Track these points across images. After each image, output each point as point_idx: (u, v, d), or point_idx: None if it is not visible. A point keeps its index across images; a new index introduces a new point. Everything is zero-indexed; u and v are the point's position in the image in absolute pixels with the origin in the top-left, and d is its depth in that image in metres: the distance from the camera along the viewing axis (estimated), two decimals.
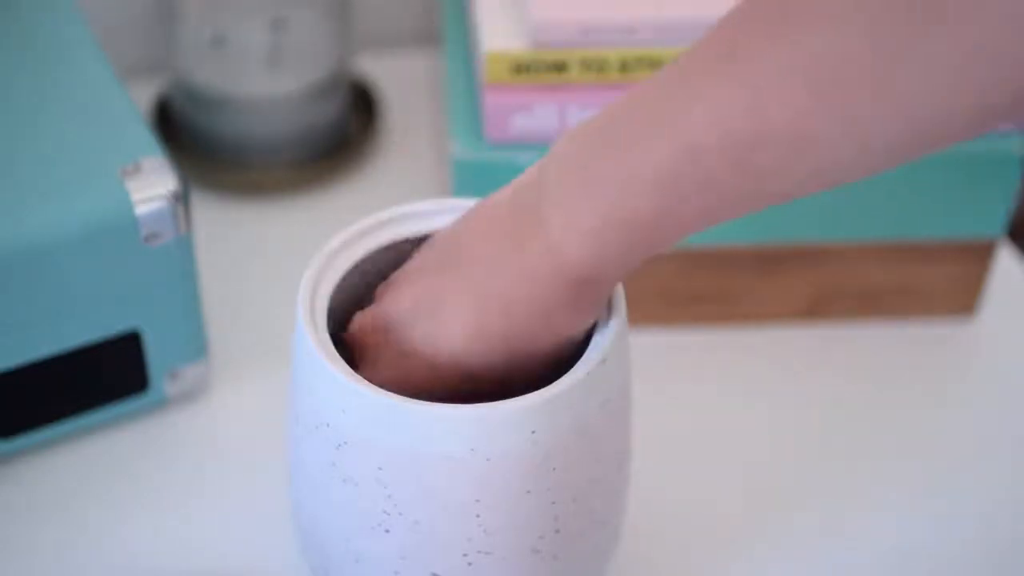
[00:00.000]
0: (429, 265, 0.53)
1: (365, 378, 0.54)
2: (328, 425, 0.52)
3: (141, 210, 0.63)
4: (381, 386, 0.53)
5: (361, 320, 0.55)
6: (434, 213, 0.57)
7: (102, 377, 0.67)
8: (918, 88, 0.42)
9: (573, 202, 0.48)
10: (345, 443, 0.51)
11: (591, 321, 0.52)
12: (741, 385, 0.73)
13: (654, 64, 0.68)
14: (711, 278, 0.74)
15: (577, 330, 0.52)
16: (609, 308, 0.53)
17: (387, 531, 0.53)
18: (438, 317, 0.52)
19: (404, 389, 0.53)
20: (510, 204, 0.51)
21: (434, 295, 0.52)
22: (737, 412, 0.72)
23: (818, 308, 0.76)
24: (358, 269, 0.57)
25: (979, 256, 0.74)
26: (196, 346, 0.69)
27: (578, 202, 0.48)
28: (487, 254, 0.51)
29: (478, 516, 0.52)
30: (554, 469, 0.52)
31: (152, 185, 0.63)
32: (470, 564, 0.53)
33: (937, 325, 0.77)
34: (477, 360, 0.52)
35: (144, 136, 0.65)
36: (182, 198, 0.64)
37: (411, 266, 0.55)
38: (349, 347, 0.56)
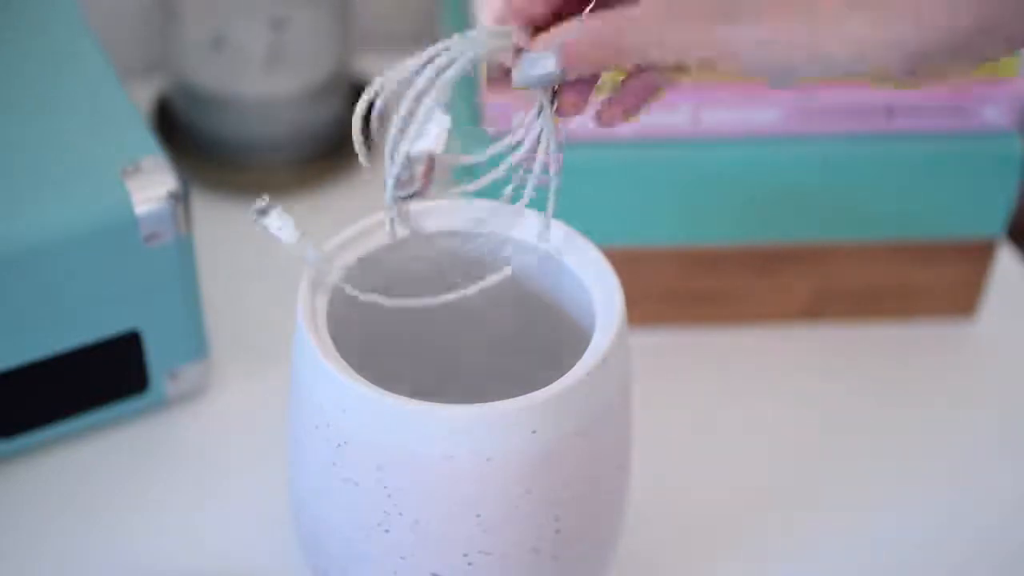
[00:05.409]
0: None
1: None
2: (328, 425, 0.52)
3: (141, 210, 0.63)
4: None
5: None
6: (434, 213, 0.57)
7: (102, 377, 0.67)
8: None
9: None
10: (345, 443, 0.51)
11: None
12: (741, 385, 0.73)
13: None
14: (711, 278, 0.74)
15: None
16: (609, 308, 0.53)
17: (387, 531, 0.52)
18: None
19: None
20: None
21: None
22: (737, 412, 0.72)
23: (818, 308, 0.76)
24: (358, 269, 0.57)
25: (979, 256, 0.74)
26: (196, 346, 0.69)
27: None
28: None
29: (478, 516, 0.51)
30: (554, 469, 0.51)
31: (152, 185, 0.63)
32: (470, 564, 0.53)
33: (937, 325, 0.77)
34: None
35: (144, 136, 0.65)
36: (182, 198, 0.64)
37: None
38: None
